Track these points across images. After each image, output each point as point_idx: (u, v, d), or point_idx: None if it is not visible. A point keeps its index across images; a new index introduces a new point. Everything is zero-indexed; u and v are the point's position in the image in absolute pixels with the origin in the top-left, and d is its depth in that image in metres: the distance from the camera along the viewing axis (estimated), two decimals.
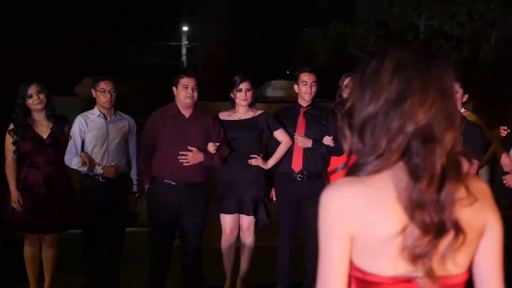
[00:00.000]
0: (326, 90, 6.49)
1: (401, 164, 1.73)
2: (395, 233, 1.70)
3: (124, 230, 6.13)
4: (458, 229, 1.71)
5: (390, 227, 1.70)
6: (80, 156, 5.89)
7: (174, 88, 5.94)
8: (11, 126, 5.86)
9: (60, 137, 5.90)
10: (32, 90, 5.82)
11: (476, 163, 5.35)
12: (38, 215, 5.81)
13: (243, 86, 6.07)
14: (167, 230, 5.97)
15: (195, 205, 5.94)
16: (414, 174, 1.70)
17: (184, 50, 27.34)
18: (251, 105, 6.15)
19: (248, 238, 6.17)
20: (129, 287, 6.36)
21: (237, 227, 6.19)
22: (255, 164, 6.07)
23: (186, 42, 27.31)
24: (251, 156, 6.06)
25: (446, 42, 13.22)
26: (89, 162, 5.87)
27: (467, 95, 6.26)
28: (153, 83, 13.46)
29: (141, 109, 10.12)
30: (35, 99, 5.82)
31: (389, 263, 1.72)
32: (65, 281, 6.35)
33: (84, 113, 6.04)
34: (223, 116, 6.17)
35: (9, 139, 5.86)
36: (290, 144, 6.12)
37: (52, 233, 5.96)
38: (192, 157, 5.85)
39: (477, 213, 1.77)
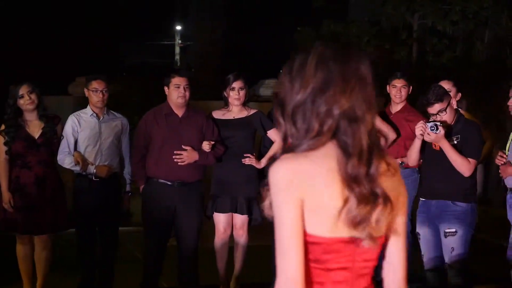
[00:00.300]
0: None
1: (334, 141, 1.99)
2: (338, 202, 1.95)
3: (117, 229, 6.12)
4: (387, 197, 2.00)
5: (333, 197, 1.96)
6: (73, 155, 5.88)
7: (166, 88, 5.92)
8: (3, 127, 5.84)
9: (52, 137, 5.88)
10: (23, 90, 5.80)
11: (473, 162, 5.34)
12: (29, 215, 5.80)
13: (236, 84, 6.07)
14: (162, 230, 5.95)
15: (191, 204, 5.93)
16: (345, 151, 1.97)
17: (177, 49, 27.31)
18: (245, 104, 6.15)
19: (241, 237, 6.17)
20: (123, 286, 6.34)
21: (230, 225, 6.18)
22: (249, 163, 6.07)
23: (180, 41, 27.27)
24: (244, 155, 6.06)
25: (440, 41, 13.22)
26: (82, 161, 5.85)
27: (460, 94, 6.27)
28: (146, 82, 13.41)
29: (135, 108, 10.09)
30: (26, 100, 5.80)
31: (329, 226, 1.96)
32: (60, 280, 6.34)
33: (77, 113, 6.03)
34: (217, 115, 6.16)
35: (0, 140, 5.83)
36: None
37: (44, 233, 5.94)
38: (186, 156, 5.84)
39: (395, 185, 2.07)
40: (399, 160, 6.33)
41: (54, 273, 6.15)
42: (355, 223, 1.95)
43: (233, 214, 6.15)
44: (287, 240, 1.94)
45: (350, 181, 1.94)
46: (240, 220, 6.13)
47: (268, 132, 6.13)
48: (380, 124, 6.29)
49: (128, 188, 6.17)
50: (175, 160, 5.81)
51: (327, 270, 2.00)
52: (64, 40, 15.57)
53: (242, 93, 6.08)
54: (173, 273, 6.13)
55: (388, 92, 6.56)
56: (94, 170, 5.88)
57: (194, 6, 19.52)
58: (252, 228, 6.22)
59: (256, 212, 6.10)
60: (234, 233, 6.21)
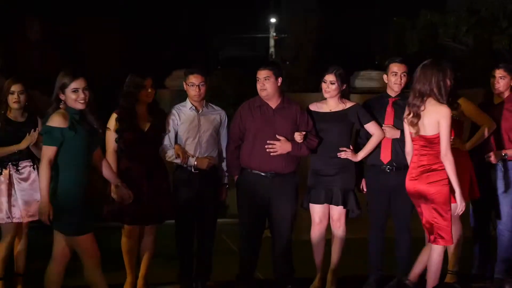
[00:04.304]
0: None
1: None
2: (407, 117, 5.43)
3: (215, 221, 6.17)
4: (419, 116, 5.24)
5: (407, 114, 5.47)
6: (174, 148, 5.97)
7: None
8: (114, 116, 5.91)
9: (160, 130, 5.99)
10: (148, 83, 5.92)
11: None
12: (137, 206, 5.85)
13: (327, 78, 6.03)
14: (256, 221, 5.99)
15: (285, 195, 5.95)
16: (411, 98, 5.35)
17: (272, 42, 27.36)
18: (343, 98, 6.09)
19: (339, 229, 6.12)
20: (220, 278, 6.40)
21: (326, 217, 6.15)
22: (344, 157, 6.02)
23: (274, 34, 27.31)
24: (340, 149, 6.01)
25: None
26: (183, 154, 5.94)
27: None
28: (241, 75, 13.53)
29: (230, 101, 10.19)
30: (148, 92, 5.92)
31: (408, 127, 5.40)
32: (159, 269, 6.44)
33: (177, 106, 6.13)
34: (314, 107, 6.14)
35: (110, 132, 5.92)
36: (383, 137, 6.03)
37: (150, 224, 6.05)
38: (279, 146, 5.86)
39: (434, 114, 5.20)
40: (502, 152, 6.16)
41: (153, 261, 6.24)
42: (410, 125, 5.21)
43: (330, 206, 6.12)
44: (406, 137, 5.42)
45: (409, 108, 5.24)
46: (337, 211, 6.09)
47: (365, 125, 6.05)
48: (477, 114, 6.13)
49: (225, 180, 6.22)
50: (267, 150, 5.85)
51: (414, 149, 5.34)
52: (160, 33, 15.85)
53: (332, 87, 6.01)
54: (269, 264, 6.15)
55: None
56: (195, 162, 5.96)
57: None
58: (350, 220, 6.17)
59: (352, 203, 6.06)
60: (331, 225, 6.18)
